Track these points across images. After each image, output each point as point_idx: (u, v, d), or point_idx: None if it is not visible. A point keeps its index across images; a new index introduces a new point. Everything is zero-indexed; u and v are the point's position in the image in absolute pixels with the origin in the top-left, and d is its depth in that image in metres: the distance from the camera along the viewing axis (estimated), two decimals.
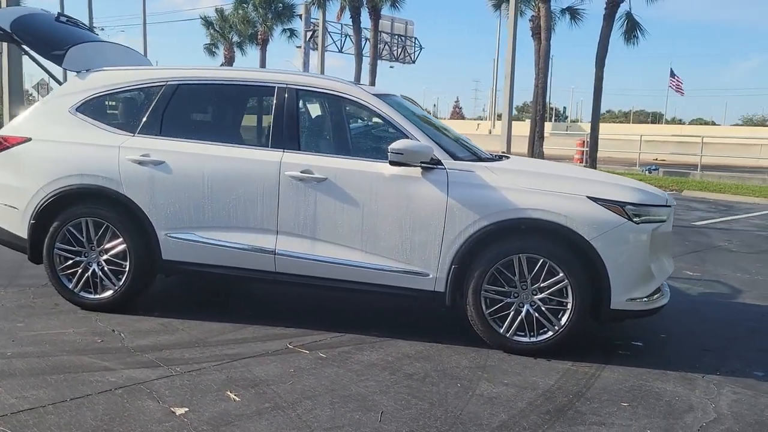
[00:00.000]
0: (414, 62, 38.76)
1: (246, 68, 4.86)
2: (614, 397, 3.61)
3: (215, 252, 4.50)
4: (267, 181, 4.37)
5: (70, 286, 4.67)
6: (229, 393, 3.40)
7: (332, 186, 4.30)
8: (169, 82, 4.67)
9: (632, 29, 23.57)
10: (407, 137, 4.30)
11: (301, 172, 4.33)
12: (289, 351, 4.07)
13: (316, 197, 4.32)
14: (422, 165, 4.20)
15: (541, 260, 4.12)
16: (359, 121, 5.95)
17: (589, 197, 4.13)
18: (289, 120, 4.49)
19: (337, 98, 4.67)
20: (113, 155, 4.54)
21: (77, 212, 4.60)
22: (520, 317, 4.19)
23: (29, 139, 4.69)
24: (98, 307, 4.64)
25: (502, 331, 4.22)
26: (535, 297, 4.18)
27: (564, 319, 4.14)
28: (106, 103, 4.82)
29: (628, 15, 23.28)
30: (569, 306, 4.12)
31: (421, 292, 4.33)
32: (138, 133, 4.60)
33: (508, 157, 5.17)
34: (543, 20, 22.89)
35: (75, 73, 4.84)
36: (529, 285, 4.17)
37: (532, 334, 4.20)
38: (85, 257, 4.65)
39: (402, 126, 4.39)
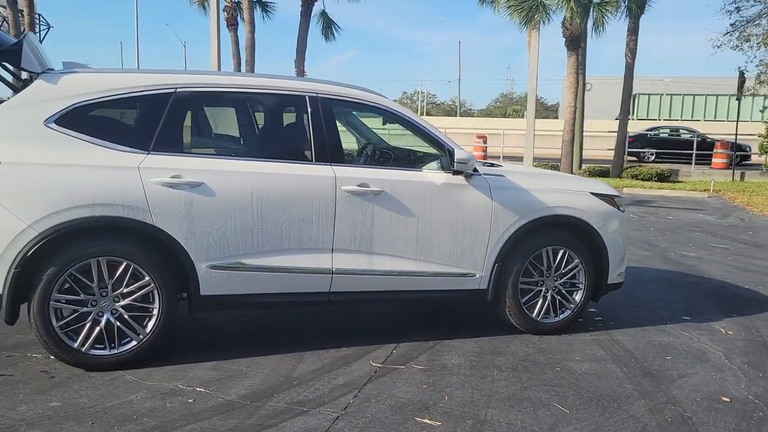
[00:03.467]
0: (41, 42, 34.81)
1: (264, 75, 4.34)
2: (662, 352, 4.47)
3: (266, 280, 4.06)
4: (323, 198, 4.11)
5: (75, 345, 3.70)
6: (420, 419, 3.29)
7: (388, 198, 4.27)
8: (179, 89, 3.97)
9: (329, 26, 25.22)
10: (443, 146, 4.48)
11: (358, 185, 4.19)
12: (388, 370, 3.98)
13: (373, 210, 4.24)
14: (466, 173, 4.44)
15: (562, 250, 4.77)
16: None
17: (591, 193, 4.91)
18: (330, 132, 4.26)
19: (368, 108, 4.56)
20: (134, 178, 3.73)
21: (85, 252, 3.66)
22: (546, 302, 4.78)
23: None
24: (115, 364, 3.78)
25: (533, 316, 4.75)
26: (557, 282, 4.81)
27: (578, 297, 4.86)
28: (96, 114, 3.87)
29: (323, 13, 24.81)
30: (582, 286, 4.85)
31: (468, 292, 4.61)
32: (153, 151, 3.84)
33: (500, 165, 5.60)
34: (247, 12, 22.93)
35: (37, 76, 3.77)
36: (553, 273, 4.78)
37: (554, 314, 4.83)
38: (94, 306, 3.73)
39: (436, 135, 4.55)
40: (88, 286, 3.72)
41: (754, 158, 24.07)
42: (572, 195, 4.82)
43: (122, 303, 3.78)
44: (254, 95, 4.24)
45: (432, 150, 4.61)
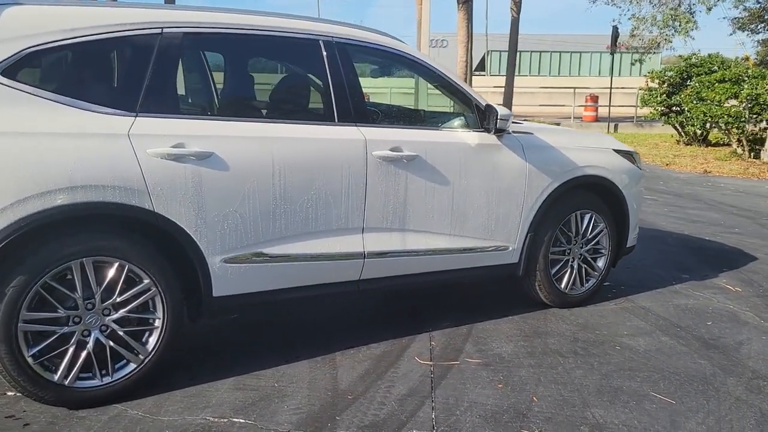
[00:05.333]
0: None
1: (266, 12, 3.39)
2: (697, 317, 4.21)
3: (289, 272, 3.27)
4: (353, 166, 3.35)
5: (56, 378, 2.74)
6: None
7: (423, 164, 3.59)
8: (166, 30, 2.99)
9: None
10: (474, 102, 3.85)
11: (391, 150, 3.46)
12: (444, 369, 3.37)
13: (407, 179, 3.54)
14: (498, 132, 3.84)
15: (589, 214, 4.35)
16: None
17: (613, 149, 4.50)
18: (353, 85, 3.48)
19: (389, 56, 3.78)
20: (125, 150, 2.76)
21: (63, 252, 2.67)
22: (574, 272, 4.36)
23: None
24: (110, 396, 2.86)
25: (562, 288, 4.32)
26: (582, 250, 4.39)
27: (601, 264, 4.49)
28: (59, 61, 2.82)
29: None
30: (606, 252, 4.48)
31: (500, 268, 4.07)
32: (141, 112, 2.87)
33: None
34: None
35: None
36: (579, 240, 4.36)
37: (580, 284, 4.42)
38: (77, 324, 2.77)
39: (468, 91, 3.89)
40: (69, 298, 2.75)
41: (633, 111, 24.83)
42: (598, 153, 4.39)
43: (114, 316, 2.84)
44: (263, 38, 3.31)
45: (457, 108, 3.96)
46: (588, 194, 4.34)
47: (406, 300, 4.42)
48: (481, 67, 38.24)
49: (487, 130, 3.79)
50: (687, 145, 15.87)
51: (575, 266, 4.36)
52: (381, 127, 3.55)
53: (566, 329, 3.98)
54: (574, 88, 23.24)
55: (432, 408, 2.91)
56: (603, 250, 4.46)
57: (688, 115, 15.15)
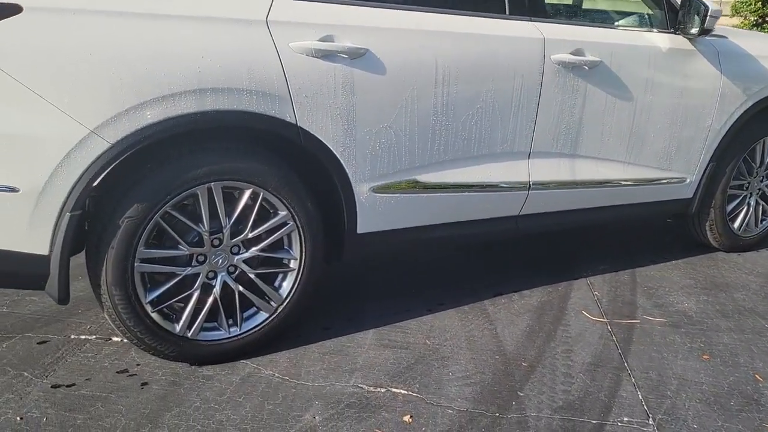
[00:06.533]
0: None
1: None
2: None
3: (444, 205, 2.64)
4: (527, 73, 2.63)
5: (177, 329, 2.21)
6: None
7: (605, 72, 2.84)
8: None
9: None
10: None
11: (572, 53, 2.72)
12: (622, 329, 2.76)
13: (585, 91, 2.81)
14: (702, 33, 3.04)
15: None
16: None
17: None
18: None
19: None
20: (264, 42, 2.09)
21: (188, 175, 2.07)
22: (750, 210, 3.65)
23: (17, 7, 1.79)
24: (235, 352, 2.34)
25: (735, 229, 3.62)
26: (762, 183, 3.66)
27: None
28: None
29: None
30: None
31: (671, 203, 3.38)
32: None
33: None
34: None
35: None
36: (762, 171, 3.61)
37: (754, 225, 3.72)
38: (202, 263, 2.22)
39: None
40: (192, 232, 2.18)
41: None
42: None
43: (245, 255, 2.28)
44: None
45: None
46: None
47: (547, 238, 3.78)
48: None
49: (683, 32, 3.00)
50: None
51: (752, 203, 3.63)
52: (560, 24, 2.79)
53: (750, 281, 3.31)
54: None
55: (634, 385, 2.32)
56: None
57: None
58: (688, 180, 3.31)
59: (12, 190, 1.86)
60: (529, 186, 2.80)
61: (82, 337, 2.45)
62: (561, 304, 2.94)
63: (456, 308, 2.85)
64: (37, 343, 2.39)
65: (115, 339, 2.44)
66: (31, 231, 1.91)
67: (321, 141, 2.24)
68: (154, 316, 2.16)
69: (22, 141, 1.83)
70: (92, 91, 1.85)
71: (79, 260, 2.16)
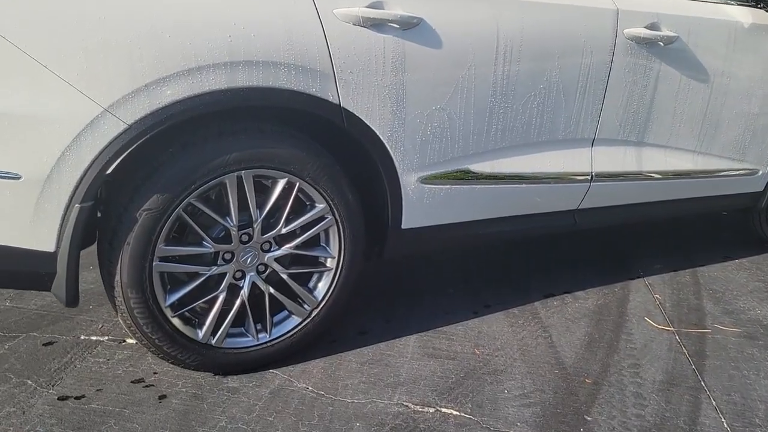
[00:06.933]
0: None
1: None
2: None
3: (498, 197, 2.35)
4: (596, 49, 2.32)
5: (200, 335, 1.95)
6: None
7: (682, 50, 2.52)
8: None
9: None
10: None
11: (646, 27, 2.40)
12: (693, 340, 2.47)
13: (659, 72, 2.50)
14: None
15: None
16: None
17: None
18: None
19: None
20: (305, 8, 1.80)
21: (215, 162, 1.79)
22: None
23: None
24: (264, 361, 2.08)
25: None
26: None
27: None
28: None
29: None
30: None
31: (741, 197, 3.08)
32: None
33: None
34: None
35: None
36: None
37: None
38: (228, 263, 1.94)
39: None
40: (219, 227, 1.91)
41: None
42: None
43: (277, 253, 2.01)
44: None
45: None
46: None
47: (596, 233, 3.48)
48: None
49: (766, 6, 2.67)
50: None
51: None
52: None
53: None
54: None
55: (716, 410, 2.04)
56: None
57: None
58: (760, 172, 3.01)
59: (13, 176, 1.59)
60: (591, 177, 2.50)
61: (93, 338, 2.21)
62: (620, 308, 2.66)
63: (504, 311, 2.57)
64: (43, 345, 2.15)
65: (129, 341, 2.19)
66: (36, 224, 1.65)
67: (366, 124, 1.95)
68: (175, 321, 1.90)
69: (25, 120, 1.55)
70: (105, 63, 1.56)
71: (90, 247, 1.90)
